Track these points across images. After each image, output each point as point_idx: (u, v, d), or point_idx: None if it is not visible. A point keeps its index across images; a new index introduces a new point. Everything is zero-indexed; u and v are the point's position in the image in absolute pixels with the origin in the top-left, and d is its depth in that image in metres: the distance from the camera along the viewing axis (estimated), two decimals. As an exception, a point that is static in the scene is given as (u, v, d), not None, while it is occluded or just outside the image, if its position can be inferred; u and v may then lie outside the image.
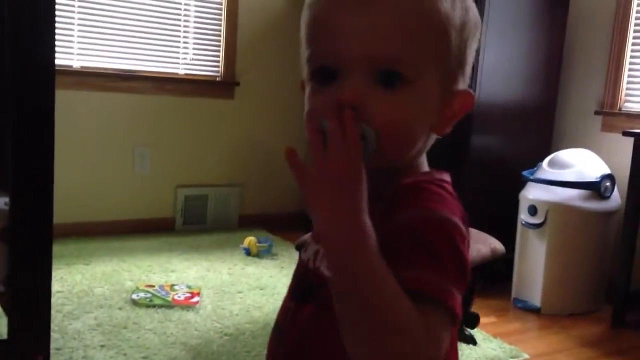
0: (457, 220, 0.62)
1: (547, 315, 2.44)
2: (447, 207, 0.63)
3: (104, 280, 2.39)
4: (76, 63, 2.90)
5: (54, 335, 1.68)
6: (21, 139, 1.24)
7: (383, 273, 0.53)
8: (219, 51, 3.27)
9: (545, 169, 2.48)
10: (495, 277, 2.66)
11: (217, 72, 3.29)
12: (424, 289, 0.55)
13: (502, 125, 2.69)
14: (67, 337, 1.86)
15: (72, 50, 2.87)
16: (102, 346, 1.82)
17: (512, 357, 2.01)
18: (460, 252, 0.59)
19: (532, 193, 2.47)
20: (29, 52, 1.22)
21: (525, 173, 2.53)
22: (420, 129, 0.67)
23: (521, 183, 2.56)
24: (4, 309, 1.48)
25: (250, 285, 2.47)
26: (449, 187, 0.67)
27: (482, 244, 1.96)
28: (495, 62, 2.59)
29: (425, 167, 0.71)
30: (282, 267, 2.75)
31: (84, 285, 2.32)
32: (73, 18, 2.85)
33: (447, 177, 0.70)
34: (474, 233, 2.03)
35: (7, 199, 1.28)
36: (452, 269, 0.58)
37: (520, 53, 2.68)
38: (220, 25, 3.25)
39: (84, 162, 2.97)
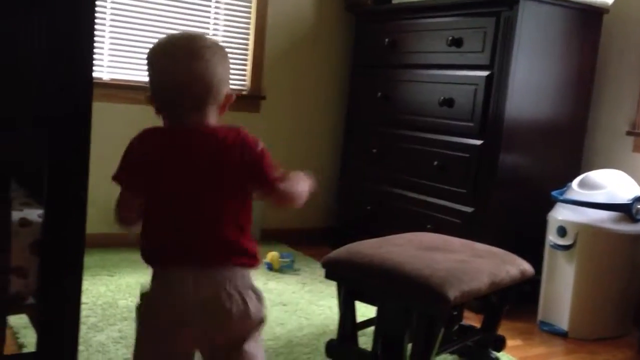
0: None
1: (574, 339, 2.39)
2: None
3: (127, 292, 2.40)
4: (106, 75, 2.93)
5: (79, 347, 1.68)
6: (57, 152, 1.25)
7: None
8: (246, 65, 3.29)
9: (575, 190, 2.44)
10: (521, 299, 2.61)
11: (244, 85, 3.31)
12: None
13: (531, 144, 2.66)
14: (92, 349, 1.86)
15: (103, 62, 2.90)
16: (127, 359, 1.81)
17: (540, 382, 1.97)
18: None
19: (562, 214, 2.43)
20: (67, 64, 1.23)
21: (554, 193, 2.49)
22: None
23: (550, 203, 2.52)
24: (32, 321, 1.48)
25: (272, 301, 2.46)
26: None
27: (510, 265, 1.93)
28: (525, 80, 2.56)
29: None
30: (305, 284, 2.73)
31: (108, 297, 2.33)
32: (104, 31, 2.89)
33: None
34: (503, 254, 1.99)
35: (40, 212, 1.28)
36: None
37: (551, 71, 2.65)
38: (247, 39, 3.27)
39: (109, 174, 2.99)
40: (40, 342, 1.30)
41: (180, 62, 1.16)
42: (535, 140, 2.67)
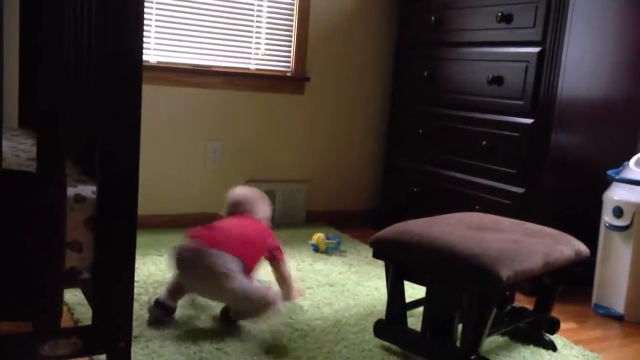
0: None
1: (630, 323, 2.31)
2: None
3: (177, 271, 2.43)
4: (152, 58, 2.96)
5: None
6: (109, 133, 1.27)
7: None
8: (290, 47, 3.28)
9: (632, 169, 2.35)
10: (573, 282, 2.55)
11: (288, 67, 3.30)
12: None
13: (585, 122, 2.57)
14: (144, 326, 1.90)
15: (149, 45, 2.93)
16: (177, 337, 1.84)
17: (595, 366, 1.92)
18: None
19: (618, 194, 2.34)
20: (118, 45, 1.24)
21: (610, 172, 2.40)
22: None
23: (605, 183, 2.44)
24: (87, 296, 1.51)
25: (319, 281, 2.46)
26: None
27: (565, 245, 1.87)
28: (580, 55, 2.47)
29: None
30: (351, 265, 2.72)
31: (158, 275, 2.36)
32: (151, 14, 2.91)
33: None
34: (556, 234, 1.94)
35: (94, 188, 1.30)
36: None
37: (607, 45, 2.55)
38: (292, 21, 3.26)
39: (157, 156, 3.04)
40: (95, 316, 1.32)
41: None
42: (590, 118, 2.58)
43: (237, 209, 2.21)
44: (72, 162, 1.51)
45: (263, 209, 2.26)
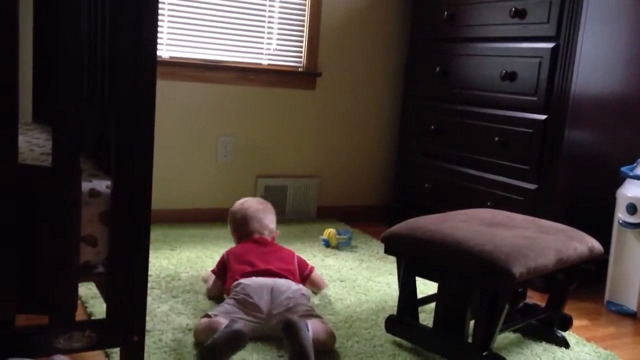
0: None
1: (644, 321, 2.30)
2: None
3: (189, 265, 2.45)
4: (165, 53, 2.97)
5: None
6: (123, 129, 1.27)
7: None
8: (302, 42, 3.27)
9: (647, 166, 2.33)
10: (586, 280, 2.53)
11: (300, 62, 3.29)
12: None
13: (599, 119, 2.55)
14: (156, 319, 1.91)
15: (162, 41, 2.94)
16: (190, 329, 1.85)
17: (608, 363, 1.91)
18: None
19: (632, 190, 2.33)
20: (133, 39, 1.24)
21: (624, 169, 2.39)
22: None
23: (619, 180, 2.42)
24: (100, 290, 1.52)
25: (330, 277, 2.46)
26: None
27: (578, 242, 1.86)
28: (594, 51, 2.45)
29: None
30: (362, 260, 2.72)
31: (170, 270, 2.38)
32: (163, 9, 2.92)
33: None
34: (569, 231, 1.93)
35: (108, 183, 1.31)
36: None
37: (622, 41, 2.52)
38: (303, 16, 3.25)
39: (169, 151, 3.05)
40: (109, 310, 1.33)
41: None
42: (604, 114, 2.56)
43: (245, 229, 2.26)
44: (86, 157, 1.51)
45: (269, 219, 2.33)
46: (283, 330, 1.69)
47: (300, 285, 1.99)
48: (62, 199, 1.23)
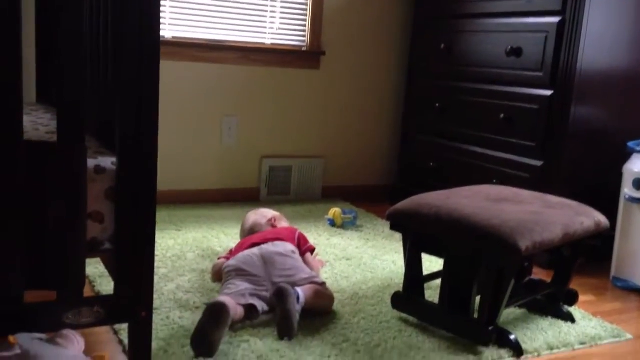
0: None
1: (650, 296, 2.30)
2: None
3: (195, 245, 2.45)
4: (168, 33, 2.96)
5: (152, 295, 1.73)
6: (127, 108, 1.27)
7: None
8: (305, 21, 3.25)
9: (654, 141, 2.32)
10: (591, 256, 2.53)
11: (303, 42, 3.27)
12: None
13: (606, 93, 2.53)
14: (164, 297, 1.92)
15: (164, 21, 2.93)
16: (197, 308, 1.86)
17: (614, 337, 1.91)
18: None
19: (638, 166, 2.31)
20: (136, 19, 1.23)
21: (631, 144, 2.37)
22: None
23: (626, 155, 2.40)
24: (108, 268, 1.53)
25: (336, 255, 2.47)
26: None
27: (585, 217, 1.85)
28: (601, 25, 2.43)
29: None
30: (368, 239, 2.72)
31: (176, 250, 2.39)
32: (165, -11, 2.90)
33: None
34: (576, 206, 1.92)
35: (114, 159, 1.31)
36: None
37: (630, 15, 2.49)
38: (306, -6, 3.22)
39: (173, 132, 3.04)
40: (117, 286, 1.34)
41: None
42: (610, 89, 2.54)
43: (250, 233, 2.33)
44: (91, 136, 1.51)
45: (267, 212, 2.41)
46: (274, 296, 1.76)
47: (289, 244, 2.05)
48: (68, 173, 1.23)
